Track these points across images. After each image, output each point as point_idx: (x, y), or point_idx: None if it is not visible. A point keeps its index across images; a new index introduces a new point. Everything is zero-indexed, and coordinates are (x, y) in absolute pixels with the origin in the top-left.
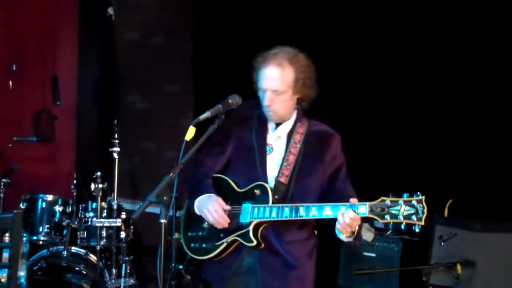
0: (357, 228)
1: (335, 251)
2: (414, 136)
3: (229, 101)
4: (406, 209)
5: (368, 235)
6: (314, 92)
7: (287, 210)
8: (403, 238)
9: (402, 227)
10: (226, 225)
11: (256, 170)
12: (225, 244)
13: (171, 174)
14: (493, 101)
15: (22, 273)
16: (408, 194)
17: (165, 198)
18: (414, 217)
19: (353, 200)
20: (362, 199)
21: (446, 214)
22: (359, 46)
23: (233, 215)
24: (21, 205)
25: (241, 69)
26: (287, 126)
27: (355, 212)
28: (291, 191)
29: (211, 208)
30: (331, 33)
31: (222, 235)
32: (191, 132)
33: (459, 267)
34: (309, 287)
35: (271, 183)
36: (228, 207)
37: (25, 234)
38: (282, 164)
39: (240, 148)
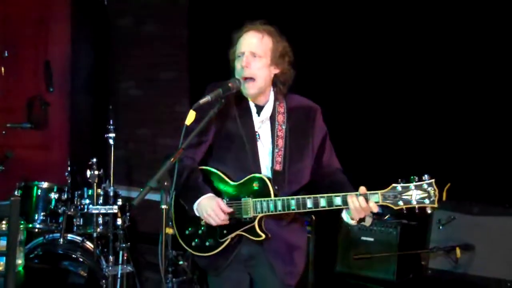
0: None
1: (333, 237)
2: (413, 120)
3: (229, 84)
4: (418, 194)
5: (366, 220)
6: (290, 72)
7: (293, 203)
8: (401, 222)
9: (416, 211)
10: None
11: (247, 159)
12: (229, 240)
13: (172, 159)
14: (491, 86)
15: (19, 261)
16: (417, 178)
17: (165, 183)
18: (427, 201)
19: (363, 189)
20: (359, 183)
21: (444, 198)
22: (355, 32)
23: (234, 211)
24: (16, 192)
25: None
26: (268, 109)
27: (366, 200)
28: (287, 177)
29: (211, 213)
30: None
31: (225, 231)
32: (191, 117)
33: (458, 251)
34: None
35: (264, 172)
36: (230, 210)
37: (22, 222)
38: (273, 151)
39: (223, 136)
